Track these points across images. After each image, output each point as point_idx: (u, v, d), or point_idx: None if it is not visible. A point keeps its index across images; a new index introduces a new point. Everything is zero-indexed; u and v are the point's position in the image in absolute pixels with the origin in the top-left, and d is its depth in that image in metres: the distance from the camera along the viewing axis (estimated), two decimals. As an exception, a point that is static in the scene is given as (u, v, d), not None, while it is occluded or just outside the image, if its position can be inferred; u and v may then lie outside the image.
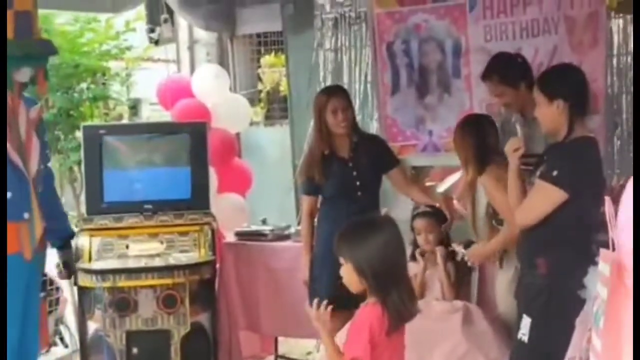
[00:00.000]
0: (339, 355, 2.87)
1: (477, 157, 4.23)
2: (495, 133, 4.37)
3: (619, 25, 5.20)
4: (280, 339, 5.85)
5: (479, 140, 4.26)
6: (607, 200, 1.81)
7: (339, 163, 4.71)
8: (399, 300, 2.81)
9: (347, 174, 4.69)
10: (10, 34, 3.88)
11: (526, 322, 3.49)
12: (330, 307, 2.93)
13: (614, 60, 5.22)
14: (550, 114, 3.51)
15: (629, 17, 5.14)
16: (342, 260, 2.91)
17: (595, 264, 2.05)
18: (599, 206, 2.42)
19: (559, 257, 3.44)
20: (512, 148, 3.70)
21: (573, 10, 5.10)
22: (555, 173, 3.39)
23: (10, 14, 3.87)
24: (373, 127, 5.90)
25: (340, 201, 4.68)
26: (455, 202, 4.88)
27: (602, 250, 1.93)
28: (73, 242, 4.58)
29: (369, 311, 2.84)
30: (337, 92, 4.86)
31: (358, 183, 4.68)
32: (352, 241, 2.90)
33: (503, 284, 4.24)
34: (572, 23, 5.11)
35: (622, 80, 5.21)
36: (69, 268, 4.55)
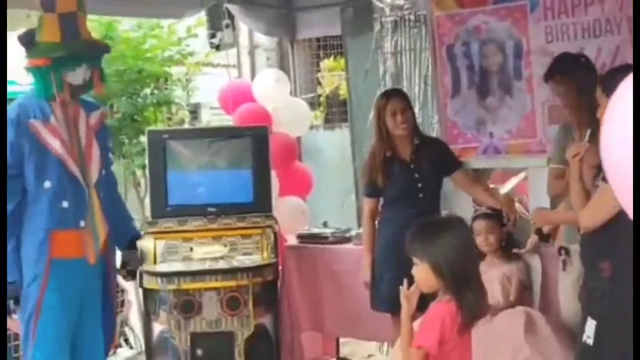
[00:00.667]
0: (411, 337, 2.90)
1: None
2: None
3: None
4: (341, 341, 5.87)
5: None
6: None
7: (401, 165, 4.73)
8: (473, 298, 2.84)
9: (409, 176, 4.71)
10: (56, 36, 3.92)
11: (591, 325, 3.45)
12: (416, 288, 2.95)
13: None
14: None
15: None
16: (415, 260, 2.94)
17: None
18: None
19: (623, 260, 3.40)
20: (572, 154, 3.67)
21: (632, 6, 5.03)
22: None
23: (54, 18, 3.91)
24: (433, 130, 5.89)
25: (402, 203, 4.70)
26: (517, 204, 4.86)
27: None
28: (138, 245, 4.65)
29: (443, 307, 2.86)
30: (395, 95, 4.92)
31: (420, 185, 4.70)
32: (427, 241, 2.93)
33: (567, 287, 4.20)
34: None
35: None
36: (130, 267, 4.60)
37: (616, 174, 1.70)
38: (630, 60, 4.82)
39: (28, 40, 4.01)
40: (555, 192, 4.49)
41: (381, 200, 4.86)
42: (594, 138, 3.83)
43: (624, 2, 5.04)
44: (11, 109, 3.96)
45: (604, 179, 3.42)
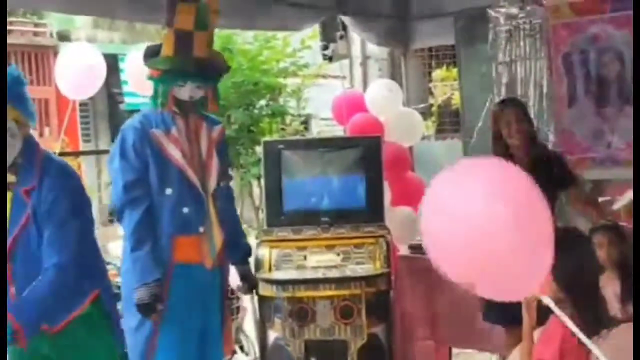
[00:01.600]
0: (531, 350, 2.88)
1: None
2: None
3: None
4: (454, 352, 5.85)
5: None
6: None
7: None
8: (592, 311, 2.81)
9: None
10: (170, 51, 4.05)
11: None
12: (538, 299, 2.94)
13: None
14: None
15: None
16: None
17: None
18: None
19: None
20: None
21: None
22: None
23: (171, 33, 4.05)
24: (548, 140, 5.81)
25: None
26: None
27: None
28: (253, 252, 4.73)
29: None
30: (510, 104, 4.90)
31: None
32: None
33: None
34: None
35: None
36: (249, 282, 4.65)
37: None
38: None
39: (151, 52, 4.16)
40: None
41: None
42: None
43: None
44: (135, 119, 4.13)
45: None
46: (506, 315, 4.26)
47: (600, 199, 5.12)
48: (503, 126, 4.71)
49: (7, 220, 3.38)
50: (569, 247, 2.89)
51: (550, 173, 4.68)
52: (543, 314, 2.96)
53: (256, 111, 6.68)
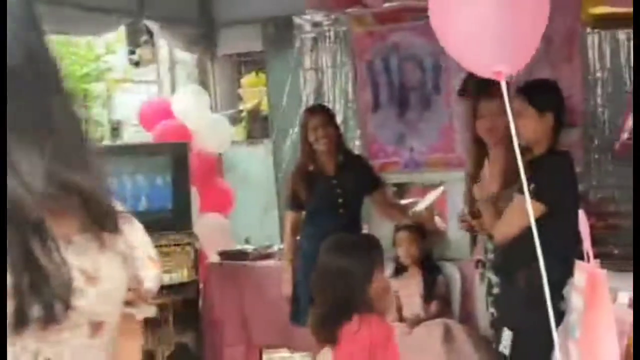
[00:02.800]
0: None
1: None
2: None
3: (594, 41, 5.26)
4: (265, 358, 5.86)
5: None
6: (581, 213, 1.85)
7: (324, 180, 4.76)
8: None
9: (331, 191, 4.74)
10: None
11: (507, 335, 3.51)
12: None
13: (590, 76, 5.27)
14: (539, 127, 3.52)
15: (604, 33, 5.21)
16: None
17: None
18: (576, 219, 2.46)
19: (538, 270, 3.47)
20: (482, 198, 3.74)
21: (549, 26, 5.14)
22: (532, 187, 3.42)
23: None
24: (355, 145, 5.93)
25: (323, 218, 4.71)
26: (437, 218, 4.93)
27: (577, 262, 1.96)
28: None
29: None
30: (317, 110, 4.97)
31: (341, 200, 4.73)
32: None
33: (483, 299, 4.27)
34: (548, 39, 5.17)
35: (597, 95, 5.26)
36: None
37: None
38: (544, 75, 4.95)
39: None
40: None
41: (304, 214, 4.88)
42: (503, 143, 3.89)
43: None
44: None
45: (520, 190, 3.49)
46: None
47: (404, 202, 5.27)
48: (310, 131, 4.77)
49: None
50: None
51: (356, 177, 4.78)
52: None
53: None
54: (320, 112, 4.96)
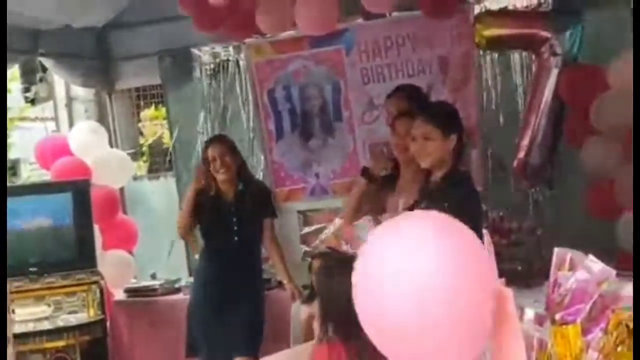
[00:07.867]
0: None
1: None
2: None
3: (489, 62, 5.40)
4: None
5: None
6: (486, 232, 1.88)
7: (221, 208, 4.79)
8: None
9: (227, 218, 4.83)
10: None
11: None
12: None
13: (485, 96, 5.40)
14: (445, 149, 3.57)
15: (496, 55, 5.36)
16: None
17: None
18: (481, 238, 2.48)
19: None
20: None
21: (445, 49, 5.28)
22: (437, 206, 3.46)
23: None
24: (260, 174, 5.92)
25: (218, 244, 4.78)
26: (343, 244, 4.94)
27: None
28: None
29: None
30: (215, 141, 5.02)
31: (236, 228, 4.78)
32: None
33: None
34: (444, 62, 5.29)
35: (492, 115, 5.39)
36: None
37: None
38: (442, 97, 5.06)
39: None
40: None
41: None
42: None
43: (434, 42, 5.28)
44: None
45: (427, 209, 3.52)
46: (204, 345, 4.51)
47: (311, 228, 5.31)
48: (211, 162, 4.80)
49: None
50: None
51: (253, 203, 4.86)
52: None
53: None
54: (220, 142, 4.97)
